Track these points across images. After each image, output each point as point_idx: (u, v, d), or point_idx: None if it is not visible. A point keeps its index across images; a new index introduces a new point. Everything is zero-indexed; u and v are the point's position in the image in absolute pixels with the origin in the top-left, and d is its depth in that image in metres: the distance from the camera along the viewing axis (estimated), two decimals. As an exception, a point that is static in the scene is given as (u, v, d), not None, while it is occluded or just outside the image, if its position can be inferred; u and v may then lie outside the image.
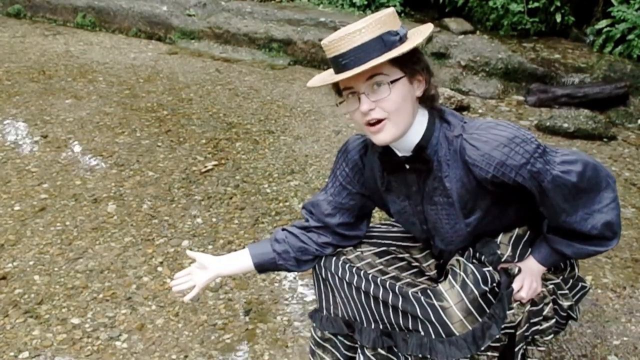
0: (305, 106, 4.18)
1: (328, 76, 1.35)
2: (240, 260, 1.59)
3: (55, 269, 2.39)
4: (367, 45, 1.24)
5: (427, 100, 1.36)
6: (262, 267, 1.59)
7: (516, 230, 1.45)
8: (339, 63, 1.27)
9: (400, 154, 1.40)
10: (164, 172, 3.20)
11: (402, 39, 1.27)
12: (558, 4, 5.05)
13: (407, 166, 1.40)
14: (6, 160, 3.25)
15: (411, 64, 1.29)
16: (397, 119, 1.29)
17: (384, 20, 1.26)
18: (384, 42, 1.24)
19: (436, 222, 1.45)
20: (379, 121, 1.29)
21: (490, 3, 5.19)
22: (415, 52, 1.28)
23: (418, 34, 1.32)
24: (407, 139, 1.35)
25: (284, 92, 4.43)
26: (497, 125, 1.30)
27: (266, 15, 5.48)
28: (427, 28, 1.34)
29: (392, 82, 1.26)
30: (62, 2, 5.90)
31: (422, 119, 1.36)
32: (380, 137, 1.31)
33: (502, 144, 1.27)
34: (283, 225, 1.81)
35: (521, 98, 4.43)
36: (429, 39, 4.80)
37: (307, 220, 1.60)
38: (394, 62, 1.26)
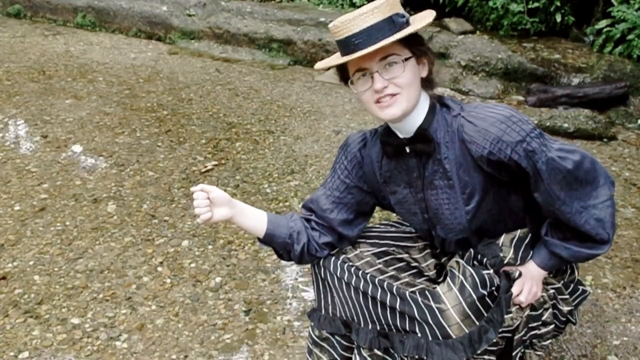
0: (305, 106, 4.18)
1: (338, 58, 1.36)
2: (256, 219, 1.53)
3: (55, 269, 2.39)
4: (379, 25, 1.27)
5: (428, 83, 1.41)
6: (272, 238, 1.54)
7: (518, 232, 1.45)
8: (352, 43, 1.29)
9: (401, 136, 1.42)
10: (164, 172, 3.20)
11: (408, 22, 1.33)
12: (558, 4, 5.05)
13: (407, 149, 1.42)
14: (6, 160, 3.25)
15: (419, 45, 1.35)
16: (409, 94, 1.34)
17: (392, 2, 1.31)
18: (394, 22, 1.29)
19: (437, 209, 1.45)
20: (392, 96, 1.33)
21: (490, 3, 5.18)
22: (419, 36, 1.36)
23: (421, 19, 1.36)
24: (410, 120, 1.38)
25: (284, 92, 4.43)
26: (495, 106, 1.35)
27: (266, 15, 5.48)
28: (429, 14, 1.37)
29: (405, 60, 1.32)
30: (62, 2, 5.90)
31: (424, 102, 1.40)
32: (391, 111, 1.34)
33: (499, 121, 1.30)
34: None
35: (521, 98, 4.43)
36: (429, 39, 4.80)
37: (308, 220, 1.59)
38: (404, 43, 1.31)
